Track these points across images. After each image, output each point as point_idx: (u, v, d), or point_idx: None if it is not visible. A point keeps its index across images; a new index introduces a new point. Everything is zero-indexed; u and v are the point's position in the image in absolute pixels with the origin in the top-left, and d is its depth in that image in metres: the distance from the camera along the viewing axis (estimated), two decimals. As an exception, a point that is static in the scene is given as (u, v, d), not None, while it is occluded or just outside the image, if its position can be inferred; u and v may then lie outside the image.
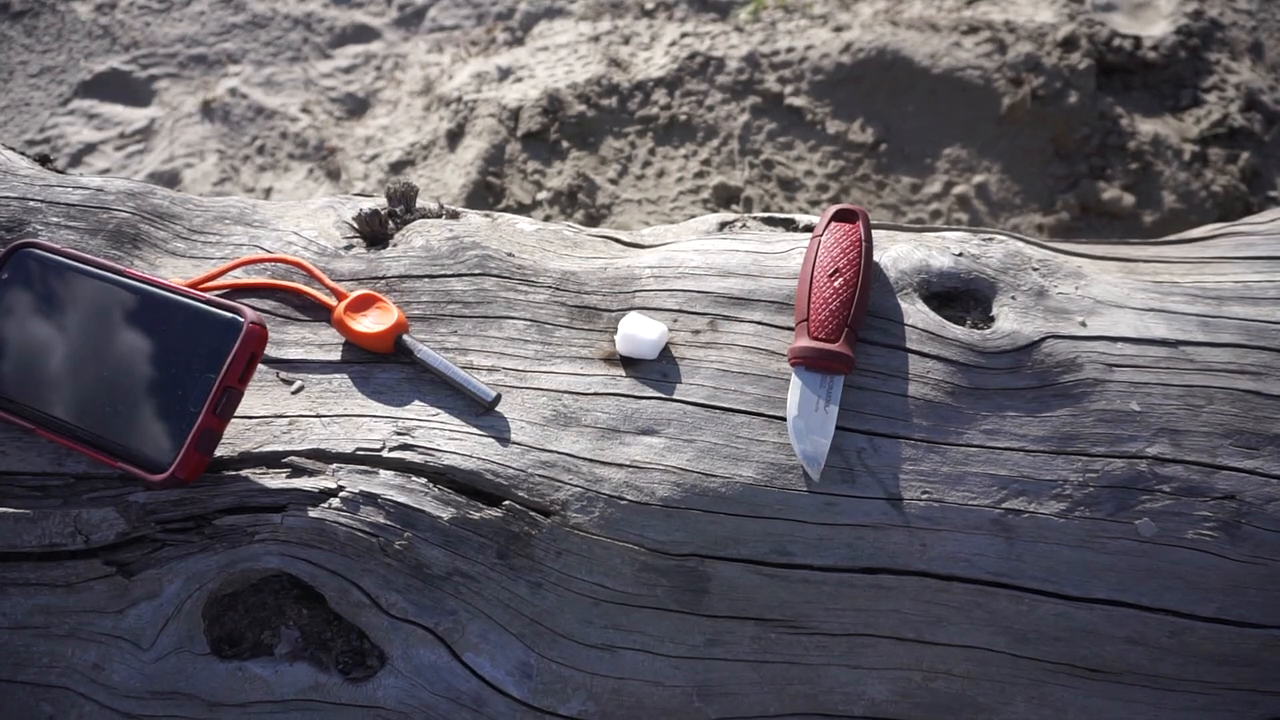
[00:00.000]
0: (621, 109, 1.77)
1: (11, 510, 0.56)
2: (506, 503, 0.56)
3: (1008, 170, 1.66)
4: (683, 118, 1.76)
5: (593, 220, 1.65)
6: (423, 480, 0.57)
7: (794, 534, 0.56)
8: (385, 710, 0.55)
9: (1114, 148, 1.65)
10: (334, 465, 0.57)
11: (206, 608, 0.55)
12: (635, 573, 0.56)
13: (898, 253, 0.66)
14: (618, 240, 0.71)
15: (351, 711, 0.55)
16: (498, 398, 0.59)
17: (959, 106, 1.71)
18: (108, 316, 0.58)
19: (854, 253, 0.62)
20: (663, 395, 0.60)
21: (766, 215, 0.73)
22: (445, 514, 0.56)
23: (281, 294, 0.65)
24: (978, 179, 1.66)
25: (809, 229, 0.71)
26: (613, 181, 1.70)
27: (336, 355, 0.62)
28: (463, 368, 0.61)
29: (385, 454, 0.57)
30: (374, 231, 0.68)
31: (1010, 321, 0.62)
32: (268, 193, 1.79)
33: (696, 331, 0.63)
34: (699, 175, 1.70)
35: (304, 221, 0.70)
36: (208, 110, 1.93)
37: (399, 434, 0.58)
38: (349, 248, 0.67)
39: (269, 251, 0.67)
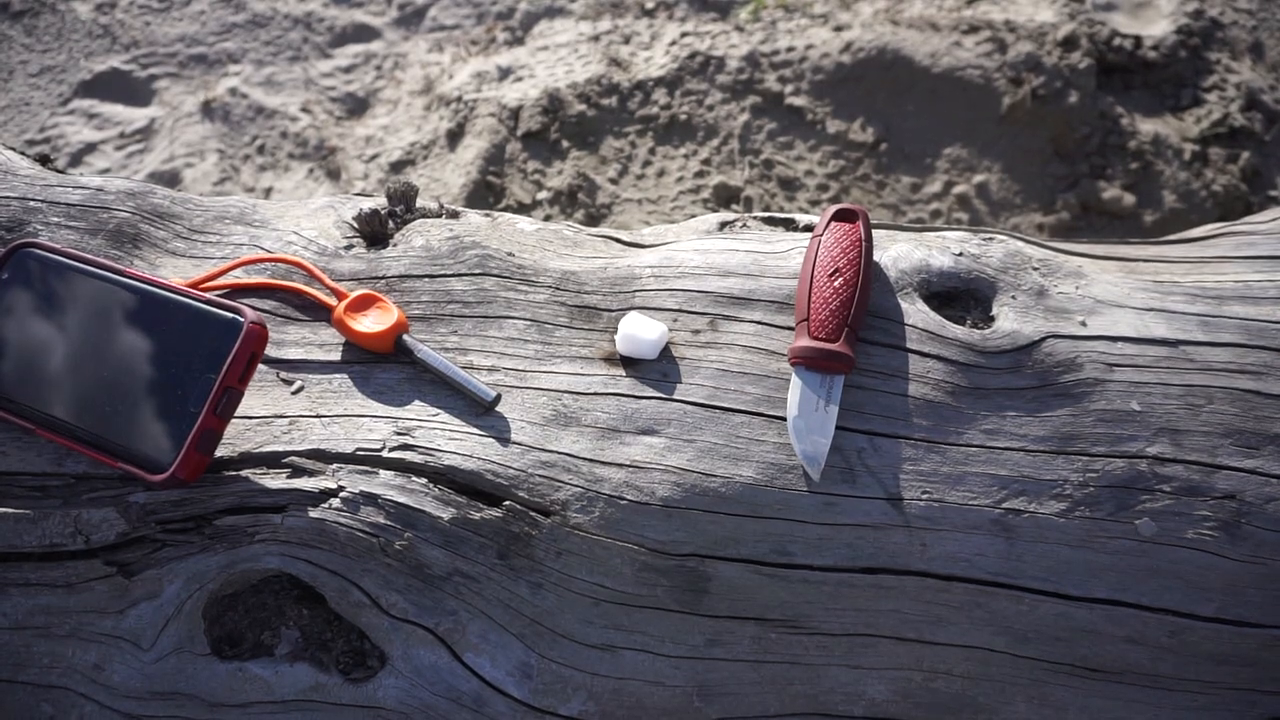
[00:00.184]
0: (621, 108, 1.77)
1: (12, 510, 0.56)
2: (507, 503, 0.56)
3: (1008, 170, 1.66)
4: (683, 117, 1.76)
5: (593, 220, 1.65)
6: (423, 480, 0.57)
7: (794, 534, 0.56)
8: (385, 710, 0.55)
9: (1114, 147, 1.65)
10: (334, 465, 0.57)
11: (207, 608, 0.55)
12: (635, 573, 0.56)
13: (898, 252, 0.66)
14: (618, 240, 0.71)
15: (352, 712, 0.55)
16: (498, 398, 0.59)
17: (959, 106, 1.71)
18: (108, 316, 0.58)
19: (854, 252, 0.62)
20: (663, 395, 0.60)
21: (766, 215, 0.73)
22: (445, 514, 0.56)
23: (281, 294, 0.65)
24: (978, 179, 1.66)
25: (809, 229, 0.71)
26: (613, 181, 1.70)
27: (336, 355, 0.62)
28: (463, 368, 0.61)
29: (385, 454, 0.57)
30: (374, 231, 0.68)
31: (1010, 321, 0.62)
32: (268, 193, 1.79)
33: (696, 331, 0.63)
34: (699, 175, 1.70)
35: (304, 221, 0.70)
36: (208, 110, 1.93)
37: (399, 434, 0.58)
38: (349, 248, 0.67)
39: (269, 251, 0.67)
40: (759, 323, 0.63)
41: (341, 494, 0.56)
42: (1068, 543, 0.57)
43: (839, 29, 1.83)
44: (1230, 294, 0.66)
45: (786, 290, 0.64)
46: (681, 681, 0.56)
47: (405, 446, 0.57)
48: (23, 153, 0.73)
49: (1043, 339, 0.62)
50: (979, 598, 0.56)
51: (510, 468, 0.57)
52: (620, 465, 0.58)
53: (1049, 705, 0.57)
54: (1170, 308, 0.65)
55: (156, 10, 2.12)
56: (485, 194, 1.66)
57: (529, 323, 0.64)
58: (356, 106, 1.95)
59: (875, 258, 0.65)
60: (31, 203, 0.67)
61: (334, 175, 1.81)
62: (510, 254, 0.67)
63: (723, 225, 0.72)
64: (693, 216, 1.31)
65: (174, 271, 0.66)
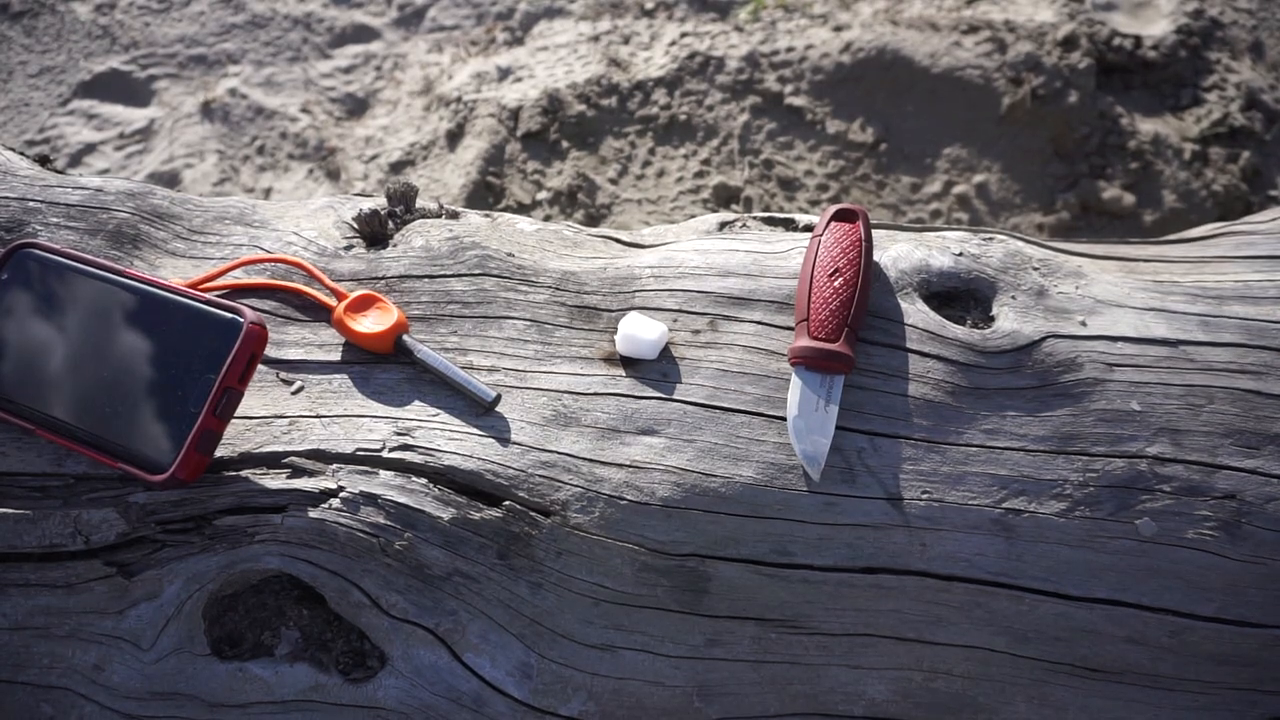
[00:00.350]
0: (621, 109, 1.77)
1: (11, 511, 0.56)
2: (507, 503, 0.56)
3: (1008, 170, 1.66)
4: (683, 117, 1.76)
5: (593, 220, 1.65)
6: (423, 481, 0.57)
7: (794, 534, 0.56)
8: (385, 711, 0.55)
9: (1114, 147, 1.65)
10: (334, 465, 0.57)
11: (207, 608, 0.55)
12: (635, 573, 0.56)
13: (898, 252, 0.66)
14: (618, 240, 0.71)
15: (352, 712, 0.55)
16: (498, 398, 0.59)
17: (959, 106, 1.71)
18: (108, 317, 0.58)
19: (854, 252, 0.62)
20: (663, 395, 0.60)
21: (766, 215, 0.73)
22: (445, 514, 0.56)
23: (281, 294, 0.65)
24: (978, 179, 1.66)
25: (809, 229, 0.71)
26: (613, 181, 1.70)
27: (336, 355, 0.62)
28: (463, 368, 0.61)
29: (385, 454, 0.57)
30: (374, 231, 0.68)
31: (1010, 321, 0.62)
32: (268, 193, 1.79)
33: (696, 331, 0.63)
34: (699, 175, 1.70)
35: (304, 221, 0.70)
36: (207, 110, 1.93)
37: (399, 434, 0.58)
38: (349, 248, 0.67)
39: (269, 252, 0.67)
40: (759, 323, 0.63)
41: (341, 494, 0.56)
42: (1068, 543, 0.57)
43: (839, 29, 1.83)
44: (1230, 294, 0.66)
45: (786, 290, 0.64)
46: (681, 681, 0.56)
47: (405, 447, 0.57)
48: (22, 153, 0.73)
49: (1043, 339, 0.62)
50: (979, 598, 0.56)
51: (510, 468, 0.57)
52: (620, 465, 0.58)
53: (1049, 705, 0.57)
54: (1170, 307, 0.65)
55: (156, 11, 2.12)
56: (485, 194, 1.66)
57: (529, 323, 0.64)
58: (356, 107, 1.95)
59: (875, 258, 0.65)
60: (31, 203, 0.67)
61: (334, 176, 1.81)
62: (510, 254, 0.67)
63: (723, 225, 0.72)
64: (693, 216, 1.31)
65: (174, 272, 0.66)
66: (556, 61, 1.89)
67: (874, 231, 0.67)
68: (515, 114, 1.76)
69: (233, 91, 1.96)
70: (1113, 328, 0.63)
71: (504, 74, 1.88)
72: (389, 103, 1.94)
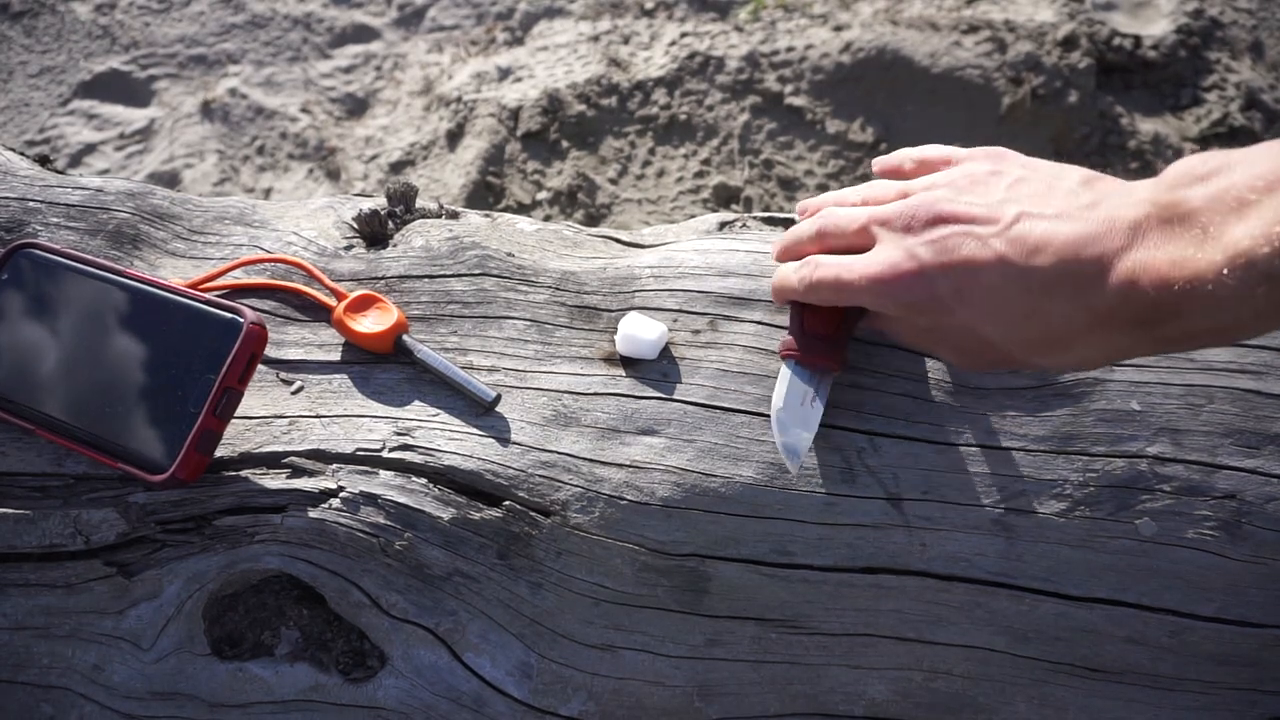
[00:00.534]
0: (621, 109, 1.77)
1: (11, 511, 0.56)
2: (507, 503, 0.56)
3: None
4: (683, 117, 1.76)
5: (593, 220, 1.65)
6: (423, 480, 0.57)
7: (794, 534, 0.56)
8: (386, 711, 0.55)
9: (1114, 147, 1.65)
10: (334, 466, 0.57)
11: (207, 608, 0.55)
12: (635, 573, 0.56)
13: (898, 252, 0.66)
14: (618, 240, 0.71)
15: (352, 712, 0.55)
16: (498, 398, 0.59)
17: (959, 106, 1.71)
18: (107, 317, 0.58)
19: None
20: (663, 395, 0.60)
21: (766, 215, 0.73)
22: (445, 514, 0.56)
23: (281, 294, 0.65)
24: (978, 178, 1.65)
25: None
26: (613, 181, 1.70)
27: (336, 355, 0.62)
28: (463, 368, 0.61)
29: (385, 454, 0.57)
30: (374, 232, 0.68)
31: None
32: (268, 193, 1.79)
33: (696, 331, 0.63)
34: (699, 175, 1.70)
35: (304, 222, 0.70)
36: (207, 110, 1.93)
37: (399, 434, 0.58)
38: (349, 248, 0.67)
39: (269, 252, 0.67)
40: (759, 323, 0.63)
41: (341, 494, 0.56)
42: (1068, 543, 0.57)
43: (838, 29, 1.83)
44: (1230, 293, 0.66)
45: (786, 290, 0.64)
46: (681, 681, 0.56)
47: (405, 447, 0.57)
48: (22, 153, 0.73)
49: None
50: (979, 598, 0.56)
51: (510, 468, 0.57)
52: (620, 465, 0.58)
53: (1049, 705, 0.57)
54: (1170, 307, 0.65)
55: (156, 11, 2.12)
56: (485, 194, 1.66)
57: (529, 323, 0.64)
58: (356, 107, 1.95)
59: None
60: (31, 203, 0.67)
61: (334, 176, 1.81)
62: (510, 254, 0.67)
63: (723, 225, 0.72)
64: (693, 216, 1.31)
65: (173, 272, 0.66)
66: (556, 61, 1.89)
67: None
68: (515, 114, 1.76)
69: (233, 91, 1.96)
70: (1113, 328, 0.63)
71: (504, 74, 1.88)
72: (389, 103, 1.94)
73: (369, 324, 0.61)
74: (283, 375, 0.61)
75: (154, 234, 0.68)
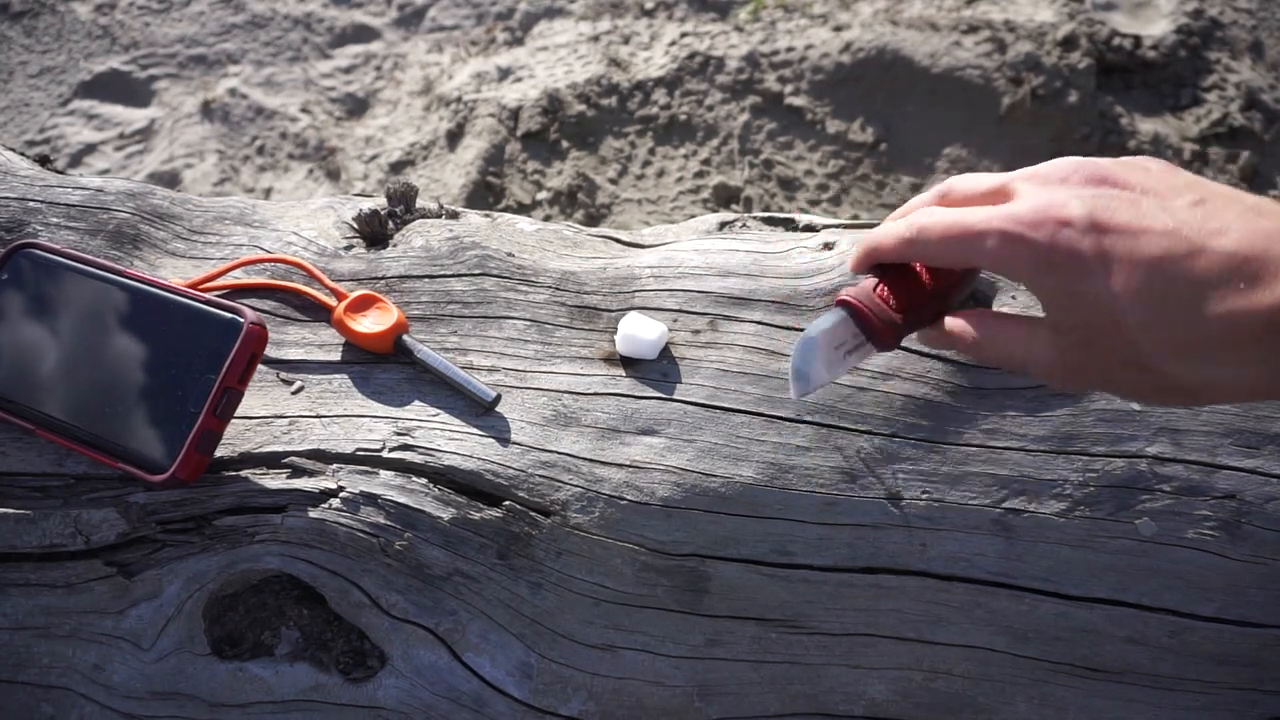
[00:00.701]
0: (621, 109, 1.77)
1: (12, 511, 0.56)
2: (507, 503, 0.56)
3: (1008, 170, 1.66)
4: (683, 117, 1.76)
5: (593, 220, 1.65)
6: (423, 480, 0.57)
7: (794, 534, 0.56)
8: (386, 710, 0.55)
9: (1114, 147, 1.65)
10: (334, 465, 0.57)
11: (207, 608, 0.55)
12: (635, 573, 0.56)
13: (898, 252, 0.65)
14: (618, 240, 0.71)
15: (352, 712, 0.55)
16: (498, 398, 0.59)
17: (959, 106, 1.71)
18: (107, 317, 0.58)
19: (957, 273, 0.52)
20: (663, 395, 0.60)
21: (766, 215, 0.73)
22: (445, 514, 0.56)
23: (281, 294, 0.65)
24: (978, 178, 1.65)
25: (809, 229, 0.71)
26: (613, 181, 1.70)
27: (336, 355, 0.62)
28: (463, 368, 0.61)
29: (385, 454, 0.57)
30: (374, 232, 0.68)
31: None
32: (268, 193, 1.79)
33: (696, 331, 0.63)
34: (699, 175, 1.70)
35: (304, 222, 0.70)
36: (207, 110, 1.93)
37: (399, 434, 0.58)
38: (349, 248, 0.67)
39: (269, 252, 0.67)
40: (759, 323, 0.63)
41: (341, 494, 0.56)
42: (1068, 542, 0.57)
43: (838, 29, 1.83)
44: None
45: (786, 290, 0.64)
46: (682, 681, 0.56)
47: (405, 447, 0.57)
48: (22, 153, 0.73)
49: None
50: (979, 597, 0.56)
51: (510, 468, 0.57)
52: (620, 465, 0.58)
53: (1049, 705, 0.57)
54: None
55: (156, 11, 2.13)
56: (485, 194, 1.66)
57: (529, 323, 0.64)
58: (356, 107, 1.95)
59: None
60: (31, 203, 0.67)
61: (334, 176, 1.81)
62: (510, 254, 0.67)
63: (723, 225, 0.72)
64: (693, 216, 1.31)
65: (174, 272, 0.66)
66: (556, 61, 1.89)
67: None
68: (515, 114, 1.76)
69: (233, 91, 1.96)
70: (1113, 328, 0.63)
71: (504, 74, 1.88)
72: (389, 103, 1.94)
73: (369, 324, 0.61)
74: (283, 375, 0.61)
75: (154, 234, 0.68)
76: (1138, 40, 1.78)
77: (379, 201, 0.70)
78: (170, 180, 1.80)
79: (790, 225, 0.72)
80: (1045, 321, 0.44)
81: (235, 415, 0.58)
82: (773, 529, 0.56)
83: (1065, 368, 0.43)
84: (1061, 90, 1.67)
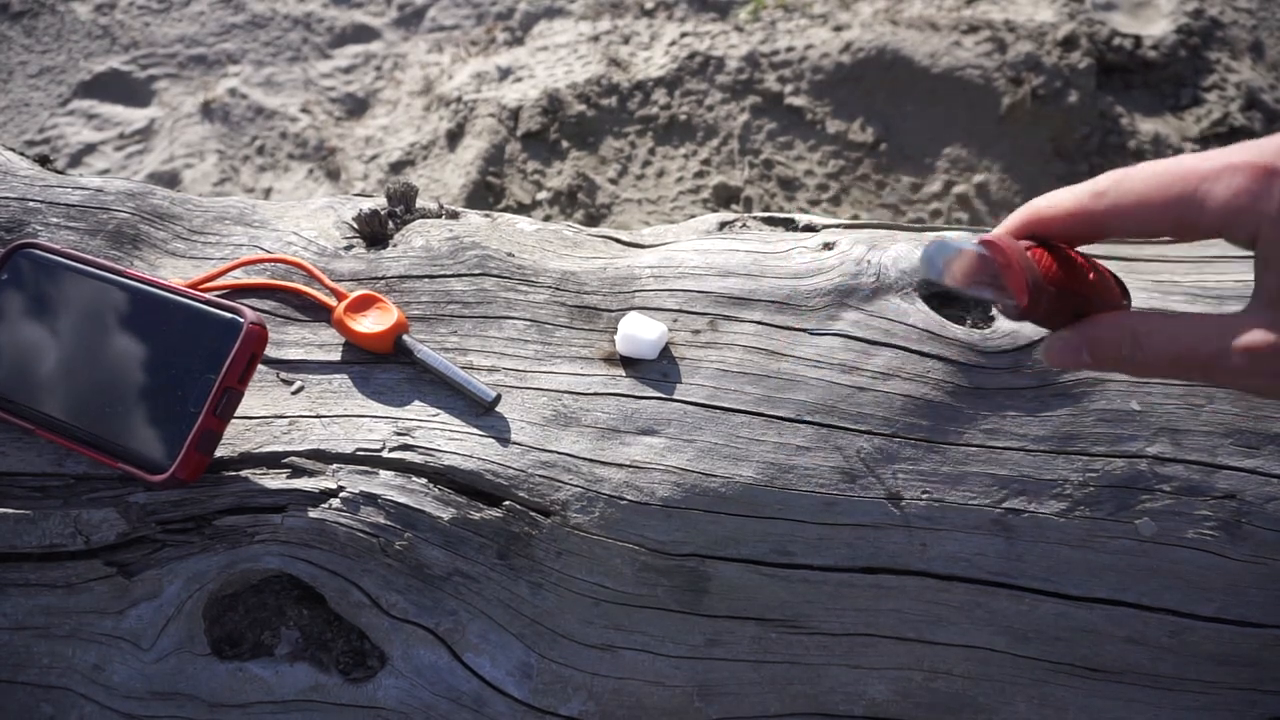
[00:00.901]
0: (621, 109, 1.77)
1: (11, 511, 0.56)
2: (507, 503, 0.56)
3: (1008, 170, 1.66)
4: (683, 117, 1.76)
5: (593, 220, 1.65)
6: (423, 480, 0.57)
7: (794, 534, 0.56)
8: (386, 711, 0.55)
9: (1114, 147, 1.65)
10: (334, 465, 0.57)
11: (207, 608, 0.55)
12: (635, 573, 0.56)
13: (898, 252, 0.66)
14: (618, 240, 0.71)
15: (352, 712, 0.55)
16: (498, 398, 0.59)
17: (959, 106, 1.71)
18: (107, 317, 0.58)
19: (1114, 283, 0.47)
20: (663, 395, 0.60)
21: (767, 215, 0.73)
22: (445, 514, 0.56)
23: (281, 294, 0.65)
24: (978, 178, 1.66)
25: (809, 228, 0.71)
26: (613, 181, 1.70)
27: (336, 355, 0.62)
28: (463, 368, 0.61)
29: (385, 454, 0.57)
30: (374, 231, 0.68)
31: (1011, 321, 0.62)
32: (268, 193, 1.79)
33: (696, 331, 0.63)
34: (699, 175, 1.70)
35: (304, 222, 0.70)
36: (207, 110, 1.93)
37: (399, 434, 0.58)
38: (349, 248, 0.67)
39: (269, 252, 0.67)
40: (759, 323, 0.63)
41: (341, 494, 0.56)
42: (1068, 543, 0.57)
43: (838, 29, 1.83)
44: (1230, 294, 0.66)
45: (786, 290, 0.64)
46: (682, 681, 0.56)
47: (405, 447, 0.57)
48: (22, 153, 0.73)
49: (1043, 338, 0.62)
50: (979, 598, 0.56)
51: (510, 468, 0.57)
52: (620, 465, 0.58)
53: (1049, 705, 0.57)
54: (1170, 307, 0.65)
55: (156, 11, 2.12)
56: (485, 194, 1.66)
57: (529, 323, 0.64)
58: (356, 107, 1.95)
59: (874, 258, 0.65)
60: (31, 203, 0.67)
61: (334, 175, 1.81)
62: (510, 254, 0.67)
63: (723, 225, 0.72)
64: (693, 216, 1.31)
65: (174, 272, 0.66)
66: (556, 61, 1.89)
67: (874, 232, 0.67)
68: (515, 114, 1.76)
69: (233, 91, 1.96)
70: (1113, 328, 0.63)
71: (504, 74, 1.88)
72: (389, 103, 1.94)
73: (369, 324, 0.61)
74: (283, 375, 0.61)
75: (154, 234, 0.68)
76: (1138, 40, 1.78)
77: (379, 201, 0.70)
78: (170, 180, 1.80)
79: (790, 225, 0.72)
80: (1260, 302, 0.38)
81: (235, 415, 0.58)
82: (773, 529, 0.56)
83: None
84: (1062, 90, 1.67)
